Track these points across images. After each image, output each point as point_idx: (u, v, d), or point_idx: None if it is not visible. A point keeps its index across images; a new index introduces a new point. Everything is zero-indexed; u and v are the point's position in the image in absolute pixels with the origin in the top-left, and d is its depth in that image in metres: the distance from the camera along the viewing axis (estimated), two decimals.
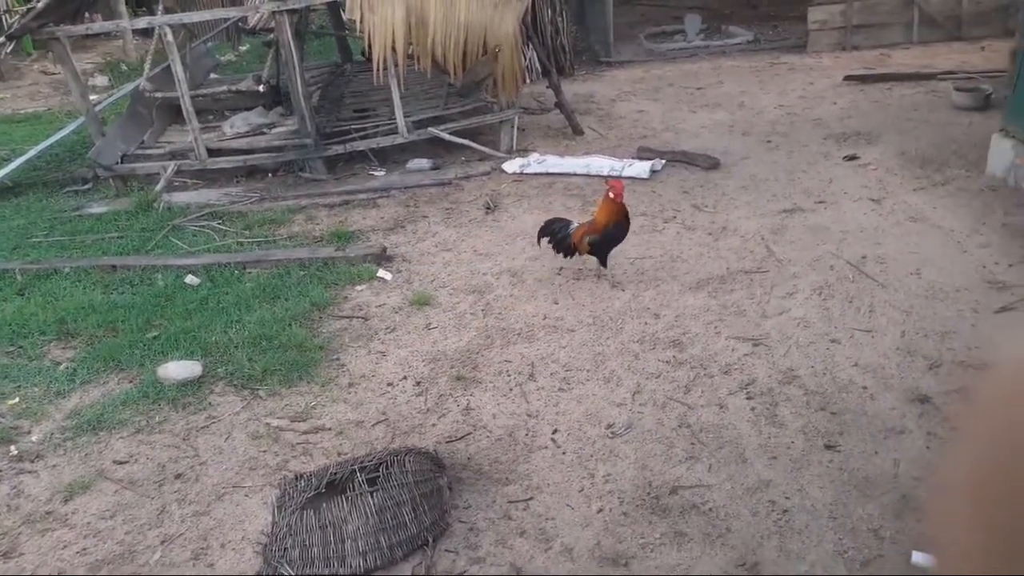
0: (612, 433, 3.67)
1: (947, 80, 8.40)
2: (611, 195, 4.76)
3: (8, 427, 4.08)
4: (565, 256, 5.04)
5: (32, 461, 3.83)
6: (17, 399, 4.33)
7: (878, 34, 10.39)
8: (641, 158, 7.06)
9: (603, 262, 4.98)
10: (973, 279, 4.64)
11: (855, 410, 3.65)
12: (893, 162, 6.53)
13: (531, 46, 9.06)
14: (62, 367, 4.60)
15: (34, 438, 4.00)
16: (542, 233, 5.13)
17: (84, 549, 3.28)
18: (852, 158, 6.71)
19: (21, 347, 4.83)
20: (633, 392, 3.94)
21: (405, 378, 4.27)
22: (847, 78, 9.03)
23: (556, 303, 4.88)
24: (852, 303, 4.53)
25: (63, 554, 3.26)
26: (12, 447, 3.93)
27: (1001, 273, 4.66)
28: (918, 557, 2.82)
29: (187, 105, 7.27)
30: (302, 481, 3.25)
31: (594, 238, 4.85)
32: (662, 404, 3.83)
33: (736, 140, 7.51)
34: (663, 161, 6.96)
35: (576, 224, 4.99)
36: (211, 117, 8.76)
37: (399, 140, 7.55)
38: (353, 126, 7.87)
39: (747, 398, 3.81)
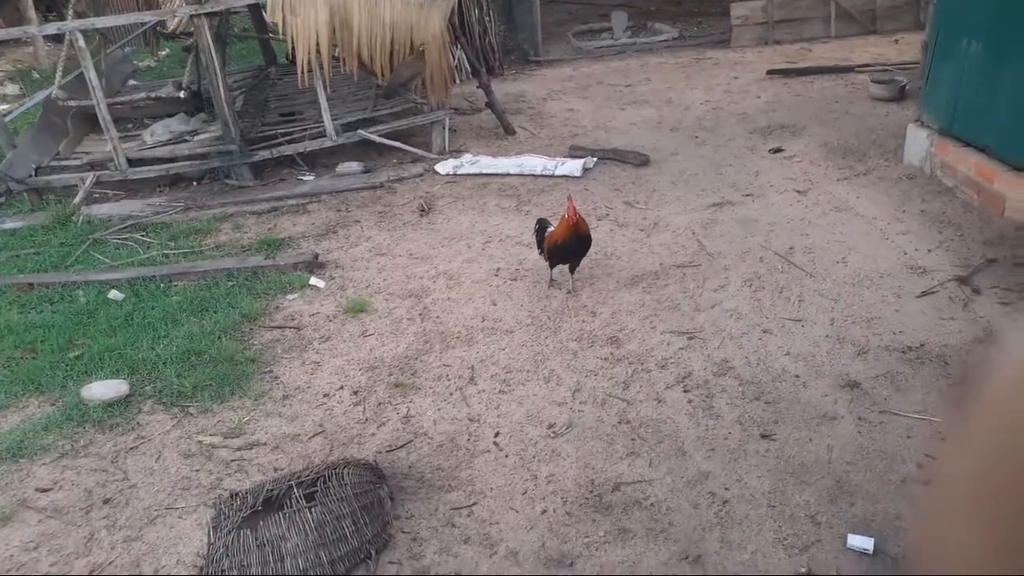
0: (553, 433, 3.66)
1: (864, 72, 8.68)
2: (565, 216, 4.75)
3: None
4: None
5: None
6: None
7: (798, 28, 10.68)
8: (573, 156, 7.10)
9: (551, 267, 4.97)
10: (895, 265, 4.79)
11: (788, 398, 3.72)
12: (817, 153, 6.71)
13: (459, 46, 9.03)
14: None
15: None
16: (538, 233, 5.08)
17: None
18: (777, 151, 6.87)
19: None
20: (573, 391, 3.95)
21: (342, 388, 4.18)
22: (770, 72, 9.25)
23: (494, 304, 4.85)
24: (782, 293, 4.63)
25: None
26: None
27: (921, 259, 4.82)
28: (854, 540, 2.89)
29: (104, 113, 7.01)
30: (238, 499, 3.15)
31: (549, 247, 4.88)
32: (601, 401, 3.84)
33: (665, 136, 7.61)
34: (595, 159, 7.01)
35: (552, 228, 4.96)
36: (130, 125, 8.48)
37: (327, 144, 7.42)
38: (279, 131, 7.70)
39: (684, 391, 3.86)
